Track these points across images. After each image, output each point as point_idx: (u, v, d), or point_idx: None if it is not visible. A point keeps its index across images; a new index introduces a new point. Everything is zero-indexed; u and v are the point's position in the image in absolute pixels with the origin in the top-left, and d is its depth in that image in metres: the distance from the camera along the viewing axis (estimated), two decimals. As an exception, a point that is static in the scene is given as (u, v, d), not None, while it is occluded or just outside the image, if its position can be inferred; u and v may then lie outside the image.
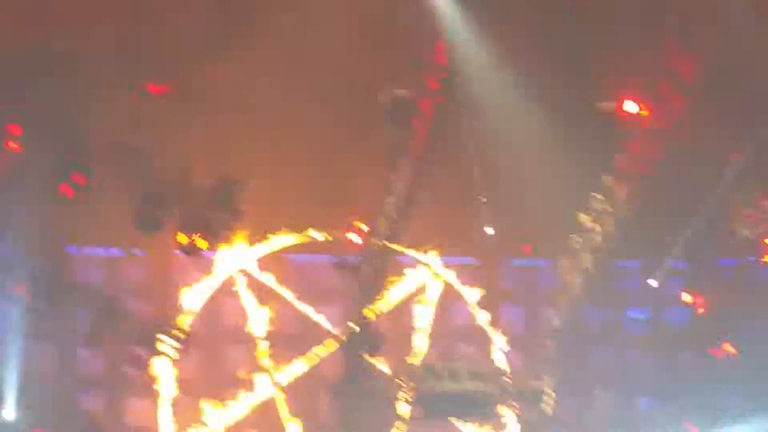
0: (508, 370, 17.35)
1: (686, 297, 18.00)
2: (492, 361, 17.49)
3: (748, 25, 15.09)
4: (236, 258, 17.27)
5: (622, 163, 15.86)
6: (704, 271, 17.54)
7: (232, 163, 15.84)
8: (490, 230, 17.38)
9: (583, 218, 16.35)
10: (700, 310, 17.56)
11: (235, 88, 15.58)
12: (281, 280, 17.52)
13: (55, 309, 16.13)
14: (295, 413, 17.49)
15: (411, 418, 16.70)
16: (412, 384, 16.69)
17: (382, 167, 15.92)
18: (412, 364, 17.32)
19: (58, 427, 16.88)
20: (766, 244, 17.06)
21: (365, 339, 16.01)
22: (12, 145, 15.14)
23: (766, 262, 17.31)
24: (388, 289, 16.86)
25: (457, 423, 17.08)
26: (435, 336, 17.71)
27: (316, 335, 17.58)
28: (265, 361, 17.32)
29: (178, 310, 17.08)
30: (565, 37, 15.35)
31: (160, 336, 16.33)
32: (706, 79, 15.00)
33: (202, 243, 15.44)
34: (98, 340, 16.09)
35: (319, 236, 17.36)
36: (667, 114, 15.46)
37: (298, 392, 17.51)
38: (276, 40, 15.74)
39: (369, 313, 16.06)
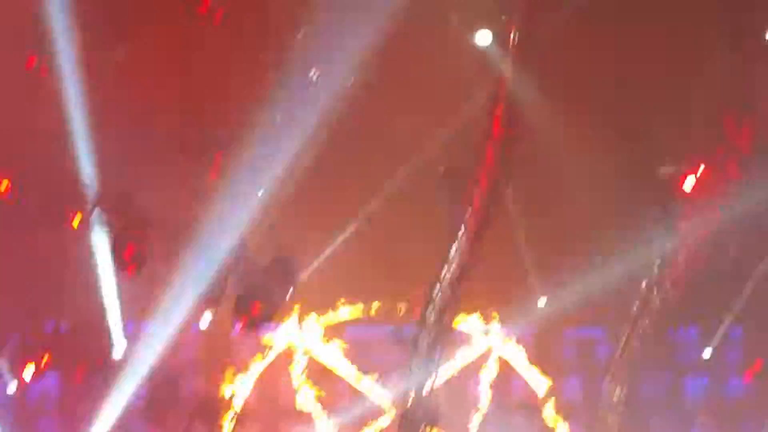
0: None
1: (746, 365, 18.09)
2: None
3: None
4: (293, 332, 17.23)
5: (680, 228, 15.69)
6: (763, 337, 17.28)
7: (289, 237, 15.76)
8: (542, 301, 17.71)
9: (642, 285, 16.06)
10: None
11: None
12: (338, 354, 17.42)
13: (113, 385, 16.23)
14: None
15: None
16: None
17: (440, 239, 15.68)
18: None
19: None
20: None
21: (423, 413, 15.46)
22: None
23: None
24: (445, 362, 16.34)
25: None
26: (492, 409, 17.56)
27: (374, 410, 17.47)
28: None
29: (234, 385, 17.01)
30: (626, 103, 15.27)
31: (217, 411, 16.27)
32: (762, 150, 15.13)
33: (259, 318, 15.08)
34: (157, 415, 15.97)
35: (376, 308, 17.32)
36: (725, 183, 15.31)
37: None
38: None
39: (426, 386, 15.59)
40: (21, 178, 15.84)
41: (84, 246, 16.04)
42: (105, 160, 16.19)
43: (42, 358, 16.56)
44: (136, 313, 16.97)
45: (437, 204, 15.89)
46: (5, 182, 16.04)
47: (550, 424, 17.23)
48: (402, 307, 17.02)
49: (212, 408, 16.32)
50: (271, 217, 16.19)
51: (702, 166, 15.48)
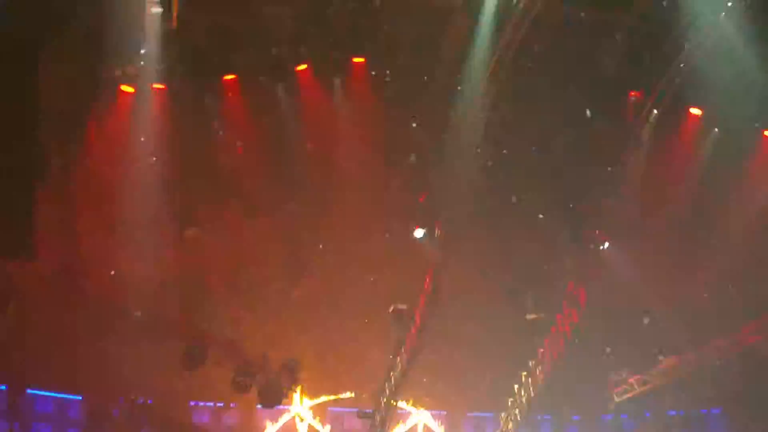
0: None
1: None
2: None
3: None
4: (295, 409, 20.45)
5: (540, 354, 19.06)
6: (593, 423, 21.07)
7: (293, 349, 19.18)
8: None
9: (515, 389, 19.46)
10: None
11: (296, 308, 18.72)
12: (324, 423, 20.69)
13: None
14: None
15: None
16: None
17: (388, 352, 18.96)
18: None
19: None
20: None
21: None
22: None
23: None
24: (391, 430, 19.74)
25: None
26: None
27: None
28: None
29: None
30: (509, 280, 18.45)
31: None
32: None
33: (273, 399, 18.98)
34: None
35: (348, 395, 20.42)
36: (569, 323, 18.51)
37: None
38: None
39: None
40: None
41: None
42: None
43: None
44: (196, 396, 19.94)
45: (390, 331, 18.88)
46: None
47: None
48: (365, 395, 20.06)
49: None
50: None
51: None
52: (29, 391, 19.74)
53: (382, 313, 18.90)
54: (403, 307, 18.73)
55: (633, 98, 17.79)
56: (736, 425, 21.16)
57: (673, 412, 21.24)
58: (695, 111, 18.86)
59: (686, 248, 19.22)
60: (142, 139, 17.25)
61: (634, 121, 17.56)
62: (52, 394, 20.28)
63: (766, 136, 19.13)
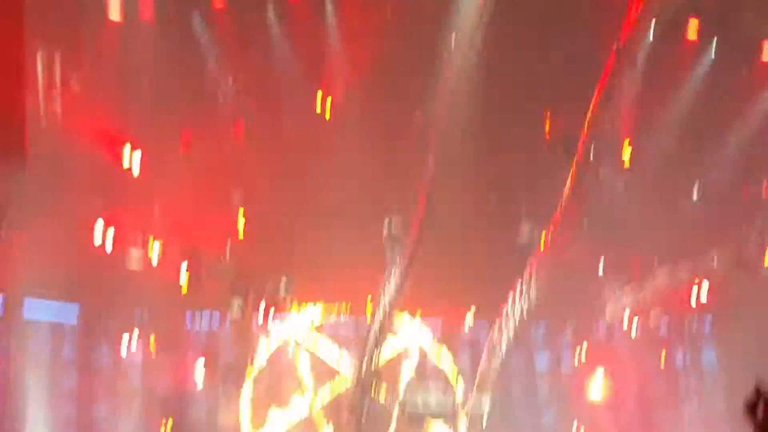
0: (461, 398, 20.21)
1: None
2: (451, 391, 20.58)
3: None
4: (290, 322, 20.79)
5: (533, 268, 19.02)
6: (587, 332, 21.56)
7: (288, 265, 19.35)
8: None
9: (510, 298, 19.54)
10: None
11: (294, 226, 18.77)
12: (319, 337, 21.03)
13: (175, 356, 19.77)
14: (326, 426, 20.69)
15: (399, 427, 19.77)
16: (400, 407, 19.67)
17: (383, 263, 18.90)
18: (399, 396, 20.18)
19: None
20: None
21: (372, 377, 19.38)
22: None
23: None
24: (386, 344, 19.99)
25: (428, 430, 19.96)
26: (415, 376, 21.07)
27: (340, 372, 20.77)
28: (309, 389, 20.86)
29: (255, 355, 20.49)
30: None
31: (241, 371, 19.71)
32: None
33: (269, 314, 19.42)
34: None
35: (344, 306, 20.82)
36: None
37: (329, 410, 20.76)
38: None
39: (374, 359, 19.33)
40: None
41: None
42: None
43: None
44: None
45: (385, 241, 18.80)
46: None
47: (452, 382, 20.82)
48: (359, 305, 20.23)
49: (240, 370, 19.71)
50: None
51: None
52: (26, 298, 19.77)
53: (379, 224, 18.91)
54: (399, 217, 18.78)
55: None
56: (726, 334, 21.46)
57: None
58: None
59: (683, 158, 19.08)
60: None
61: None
62: (50, 301, 20.32)
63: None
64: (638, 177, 18.91)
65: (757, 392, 4.88)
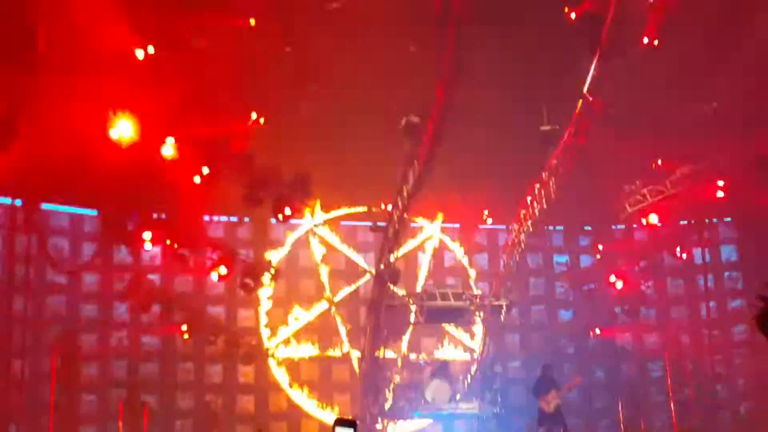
0: (479, 293, 20.19)
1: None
2: (469, 288, 20.99)
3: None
4: (309, 222, 21.12)
5: (551, 163, 18.76)
6: (604, 233, 21.92)
7: (306, 162, 18.81)
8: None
9: (527, 200, 19.23)
10: (598, 256, 21.59)
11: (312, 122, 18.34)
12: (336, 237, 21.47)
13: (197, 255, 19.48)
14: (344, 321, 21.27)
15: (417, 323, 19.72)
16: (418, 302, 19.35)
17: (401, 166, 18.46)
18: (417, 291, 20.25)
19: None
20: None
21: (389, 274, 19.25)
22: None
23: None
24: (403, 243, 20.16)
25: (446, 326, 20.89)
26: (432, 271, 21.63)
27: (358, 271, 21.41)
28: (327, 287, 21.26)
29: (271, 255, 20.91)
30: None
31: (260, 271, 19.65)
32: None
33: (288, 213, 18.80)
34: (223, 273, 19.13)
35: (360, 209, 21.18)
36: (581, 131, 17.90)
37: (346, 307, 21.36)
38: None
39: (392, 257, 19.20)
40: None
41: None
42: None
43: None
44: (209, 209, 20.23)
45: (403, 143, 18.09)
46: None
47: (470, 281, 21.53)
48: (377, 209, 20.51)
49: (258, 269, 19.62)
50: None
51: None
52: (44, 206, 19.83)
53: (395, 125, 18.28)
54: (416, 119, 18.14)
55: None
56: (745, 234, 21.40)
57: (685, 222, 21.23)
58: None
59: (704, 55, 18.84)
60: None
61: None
62: (68, 209, 20.58)
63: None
64: (662, 70, 18.45)
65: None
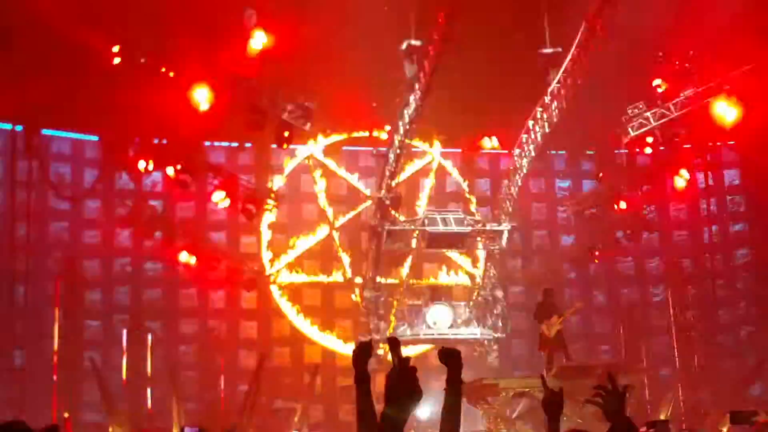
0: (481, 218, 20.40)
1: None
2: (471, 213, 20.91)
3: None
4: (309, 147, 21.16)
5: (555, 88, 18.31)
6: (606, 158, 21.53)
7: (307, 87, 18.86)
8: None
9: (529, 124, 19.13)
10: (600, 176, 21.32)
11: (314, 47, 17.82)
12: (337, 162, 21.42)
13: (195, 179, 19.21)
14: (345, 248, 21.36)
15: (418, 248, 19.90)
16: (419, 227, 19.50)
17: (402, 90, 18.23)
18: (419, 216, 20.17)
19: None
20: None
21: (390, 200, 19.33)
22: None
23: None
24: (404, 168, 20.35)
25: (447, 251, 20.85)
26: (434, 197, 21.61)
27: (359, 196, 21.43)
28: (328, 212, 21.39)
29: (273, 180, 20.92)
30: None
31: (262, 197, 19.75)
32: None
33: (289, 138, 19.03)
34: (226, 198, 19.12)
35: (362, 134, 21.13)
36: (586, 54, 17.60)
37: (347, 232, 21.45)
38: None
39: (393, 183, 19.36)
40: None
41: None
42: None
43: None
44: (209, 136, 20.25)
45: (404, 67, 17.98)
46: None
47: (471, 204, 21.50)
48: (379, 134, 20.60)
49: (258, 194, 19.77)
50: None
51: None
52: (45, 131, 19.76)
53: (396, 47, 18.19)
54: (417, 42, 17.99)
55: None
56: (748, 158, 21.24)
57: (688, 145, 21.26)
58: None
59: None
60: None
61: None
62: (69, 135, 20.46)
63: None
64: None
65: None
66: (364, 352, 5.04)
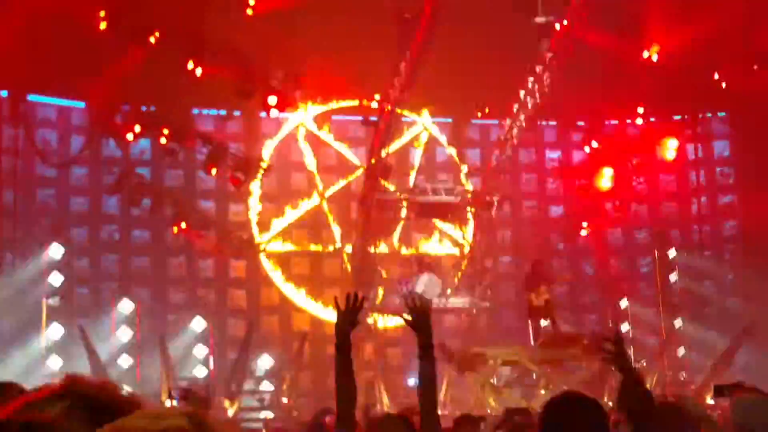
0: (470, 188, 20.47)
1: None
2: (461, 183, 20.88)
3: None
4: (298, 116, 20.89)
5: (547, 59, 18.48)
6: (597, 127, 21.55)
7: (297, 55, 18.55)
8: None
9: (521, 95, 19.19)
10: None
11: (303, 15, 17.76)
12: (327, 131, 21.31)
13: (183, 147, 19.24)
14: (335, 218, 21.14)
15: (408, 218, 20.01)
16: (409, 197, 19.61)
17: (393, 58, 18.29)
18: (409, 186, 20.38)
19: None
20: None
21: (381, 170, 19.30)
22: None
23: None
24: (394, 138, 19.99)
25: (437, 221, 20.62)
26: (424, 167, 21.58)
27: (348, 166, 21.31)
28: (318, 182, 21.15)
29: (262, 149, 20.68)
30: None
31: (251, 165, 19.47)
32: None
33: (278, 107, 18.89)
34: (211, 167, 19.22)
35: (352, 103, 20.89)
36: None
37: (337, 202, 21.26)
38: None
39: (383, 152, 19.21)
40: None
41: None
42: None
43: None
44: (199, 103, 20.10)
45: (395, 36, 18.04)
46: None
47: (461, 174, 21.20)
48: (369, 103, 20.34)
49: (248, 163, 19.45)
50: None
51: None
52: (31, 97, 19.44)
53: (388, 17, 18.12)
54: (408, 15, 18.02)
55: None
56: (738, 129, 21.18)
57: (678, 117, 21.05)
58: None
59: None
60: None
61: None
62: (55, 101, 20.12)
63: None
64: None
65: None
66: (348, 321, 4.88)
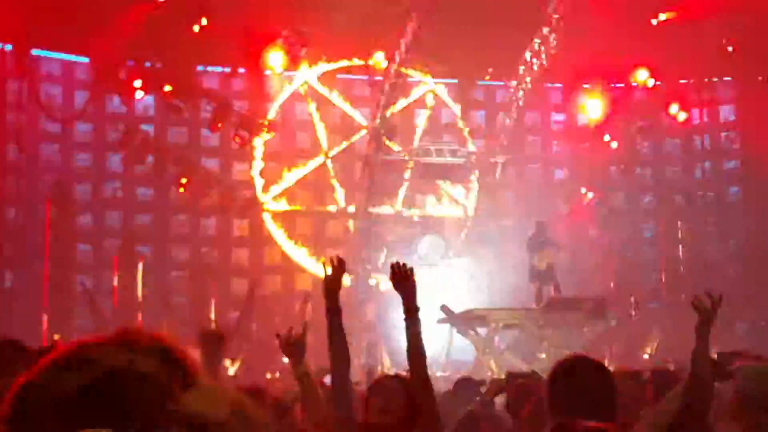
0: (475, 150, 20.48)
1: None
2: (465, 144, 20.73)
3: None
4: (304, 74, 20.71)
5: (554, 20, 18.22)
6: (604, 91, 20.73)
7: (299, 18, 18.62)
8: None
9: (527, 57, 19.14)
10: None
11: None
12: (332, 90, 21.01)
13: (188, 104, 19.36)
14: (338, 177, 20.90)
15: (411, 179, 20.06)
16: (413, 158, 19.61)
17: (401, 18, 18.30)
18: (413, 147, 20.15)
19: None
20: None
21: (385, 128, 19.35)
22: None
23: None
24: (399, 98, 20.05)
25: (441, 183, 20.63)
26: (428, 129, 21.38)
27: (353, 125, 21.13)
28: (322, 141, 20.99)
29: (266, 107, 20.55)
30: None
31: (255, 123, 19.63)
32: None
33: (283, 65, 19.09)
34: (217, 125, 19.37)
35: (358, 62, 20.62)
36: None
37: (341, 162, 21.13)
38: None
39: (388, 112, 19.33)
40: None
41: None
42: None
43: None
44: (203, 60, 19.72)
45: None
46: None
47: (465, 136, 21.08)
48: (374, 63, 20.03)
49: (253, 120, 19.65)
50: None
51: None
52: (35, 51, 19.27)
53: None
54: None
55: None
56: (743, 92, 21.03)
57: (684, 81, 20.91)
58: None
59: None
60: None
61: None
62: (59, 56, 19.95)
63: None
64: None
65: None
66: (334, 283, 4.85)
